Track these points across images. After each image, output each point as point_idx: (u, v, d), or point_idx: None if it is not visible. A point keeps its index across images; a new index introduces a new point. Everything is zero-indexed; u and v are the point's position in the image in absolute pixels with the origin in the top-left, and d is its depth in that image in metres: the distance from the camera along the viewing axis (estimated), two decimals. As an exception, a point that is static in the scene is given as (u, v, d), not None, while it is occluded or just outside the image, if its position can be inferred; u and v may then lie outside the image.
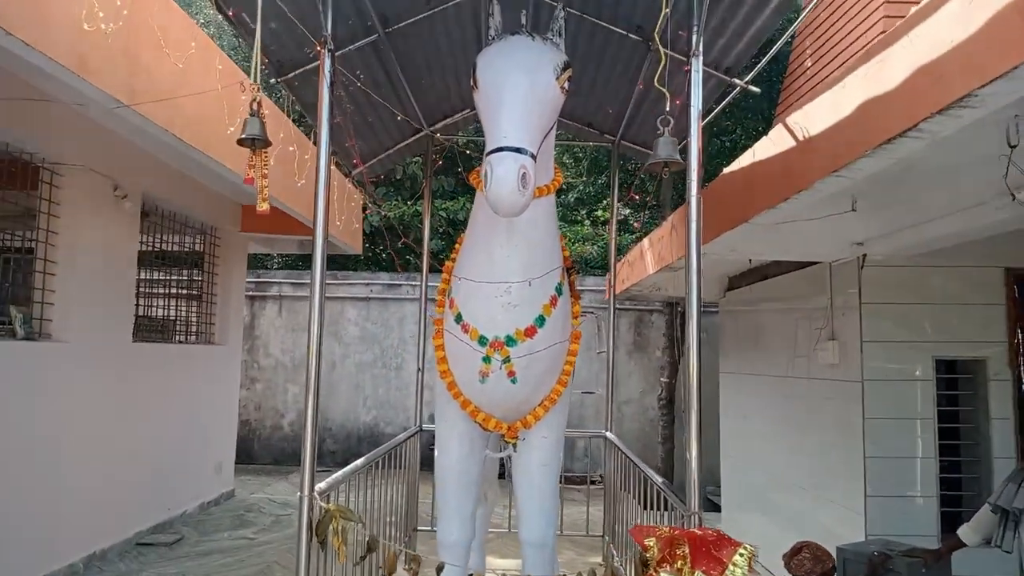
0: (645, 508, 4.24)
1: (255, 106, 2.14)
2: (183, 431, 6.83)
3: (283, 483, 9.21)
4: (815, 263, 5.25)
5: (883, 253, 4.59)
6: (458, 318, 2.83)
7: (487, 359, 2.77)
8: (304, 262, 11.85)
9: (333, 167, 6.13)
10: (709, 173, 9.83)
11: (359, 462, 3.45)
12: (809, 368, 5.30)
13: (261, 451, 10.51)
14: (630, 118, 4.65)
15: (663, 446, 9.57)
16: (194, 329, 7.32)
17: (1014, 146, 2.56)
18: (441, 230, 12.66)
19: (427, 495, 5.87)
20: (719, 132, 12.08)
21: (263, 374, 10.63)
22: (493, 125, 2.36)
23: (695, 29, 2.54)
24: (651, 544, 2.00)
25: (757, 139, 3.76)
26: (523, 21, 2.70)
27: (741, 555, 1.94)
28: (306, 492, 2.48)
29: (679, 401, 9.83)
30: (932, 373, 4.65)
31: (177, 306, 7.24)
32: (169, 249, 6.77)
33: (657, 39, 2.29)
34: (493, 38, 2.66)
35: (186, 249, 7.21)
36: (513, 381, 2.81)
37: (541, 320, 2.78)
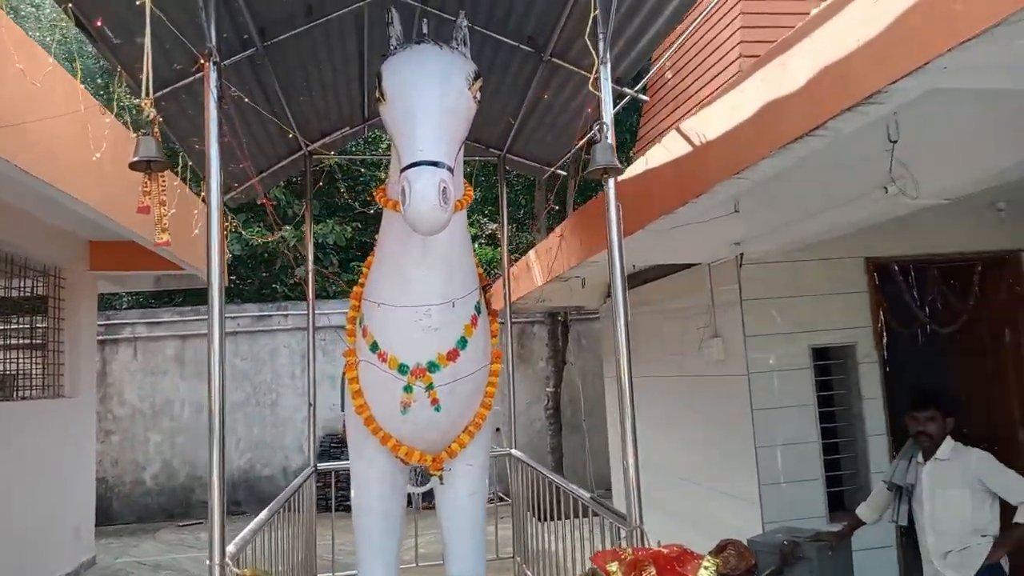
0: (549, 520, 4.22)
1: (151, 124, 1.89)
2: (34, 497, 6.06)
3: (150, 542, 8.40)
4: (695, 264, 5.47)
5: (759, 251, 4.86)
6: (374, 346, 2.65)
7: (408, 388, 2.62)
8: (157, 299, 10.98)
9: (190, 192, 5.70)
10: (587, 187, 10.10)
11: (263, 515, 3.16)
12: (697, 366, 5.49)
13: (122, 509, 9.56)
14: (517, 131, 4.63)
15: (552, 456, 9.64)
16: (40, 382, 6.53)
17: (894, 141, 2.77)
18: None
19: (324, 537, 5.56)
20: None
21: (119, 424, 9.70)
22: (407, 139, 2.24)
23: (601, 37, 2.55)
24: (614, 569, 1.94)
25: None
26: (425, 30, 2.59)
27: (706, 568, 1.93)
28: (216, 559, 2.20)
29: (564, 410, 9.97)
30: (809, 361, 4.95)
31: (19, 358, 6.43)
32: (5, 295, 6.00)
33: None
34: (395, 48, 2.53)
35: (26, 294, 6.42)
36: (437, 409, 2.67)
37: (463, 342, 2.66)
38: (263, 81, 3.58)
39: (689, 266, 5.59)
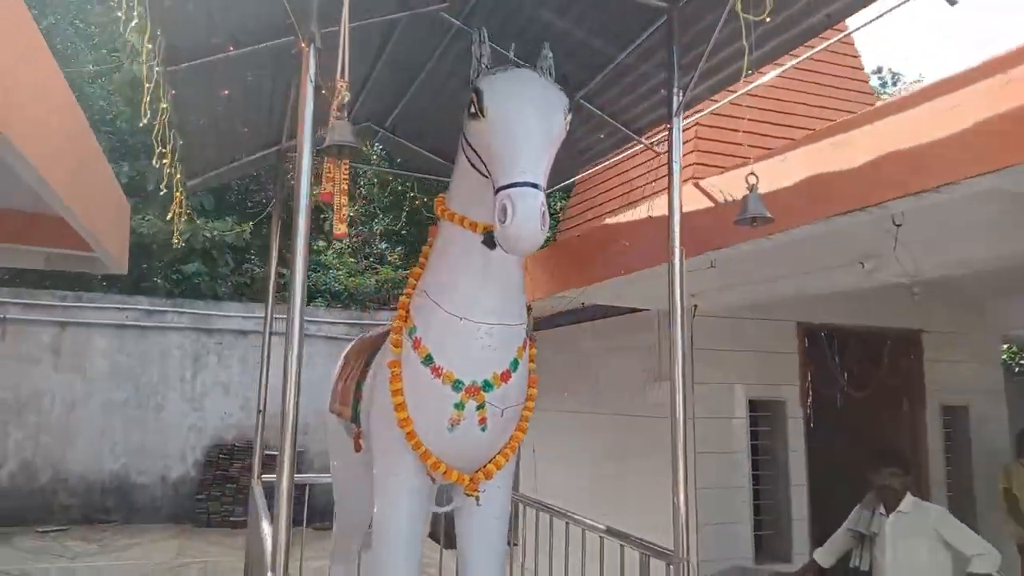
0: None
1: (343, 108, 1.78)
2: None
3: (6, 549, 7.48)
4: (643, 310, 5.73)
5: (711, 305, 5.18)
6: (428, 359, 2.59)
7: (460, 405, 2.57)
8: (40, 278, 9.90)
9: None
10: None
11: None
12: (636, 407, 5.71)
13: (-37, 511, 8.46)
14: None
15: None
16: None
17: (899, 225, 3.10)
18: (201, 250, 11.47)
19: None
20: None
21: (-29, 414, 8.63)
22: (509, 158, 2.24)
23: (675, 88, 2.70)
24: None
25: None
26: (511, 55, 2.63)
27: None
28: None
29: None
30: (745, 412, 5.31)
31: None
32: None
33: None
34: (487, 67, 2.54)
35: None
36: (483, 429, 2.64)
37: (516, 364, 2.66)
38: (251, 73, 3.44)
39: (635, 310, 5.84)
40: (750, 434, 5.33)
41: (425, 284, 2.73)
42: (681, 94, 2.73)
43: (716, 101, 4.40)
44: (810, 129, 5.63)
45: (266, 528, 3.06)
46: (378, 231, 14.61)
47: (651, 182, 4.82)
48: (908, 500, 3.49)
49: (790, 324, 5.54)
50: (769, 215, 2.27)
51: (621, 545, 3.02)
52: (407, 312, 2.74)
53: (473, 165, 2.55)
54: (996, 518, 5.47)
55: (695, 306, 5.22)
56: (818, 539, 5.38)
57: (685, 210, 3.65)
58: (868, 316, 5.67)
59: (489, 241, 2.59)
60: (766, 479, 5.42)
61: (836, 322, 5.63)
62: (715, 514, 5.02)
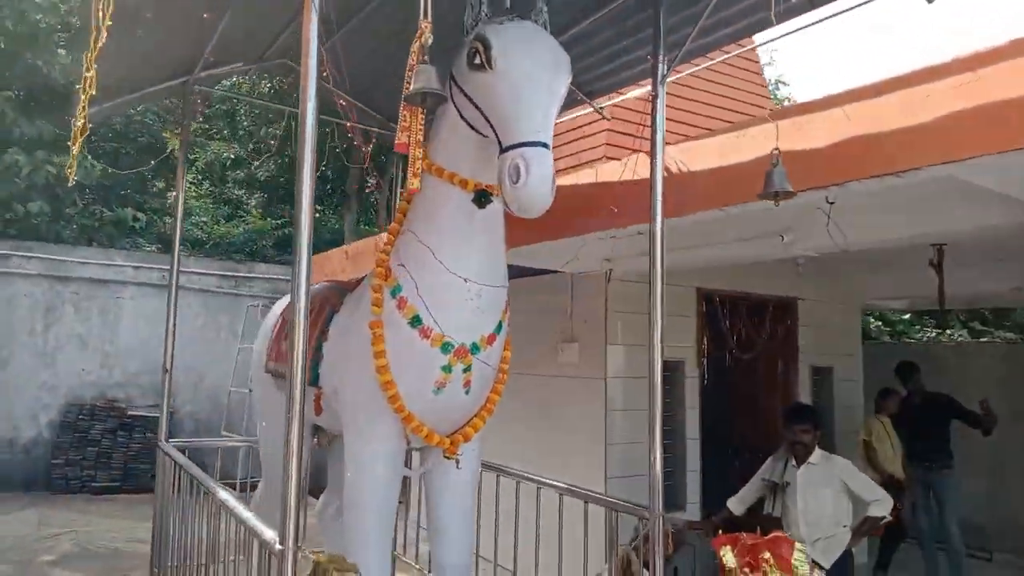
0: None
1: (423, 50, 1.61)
2: None
3: None
4: (555, 272, 5.84)
5: (624, 269, 5.37)
6: (415, 320, 2.51)
7: (447, 368, 2.53)
8: None
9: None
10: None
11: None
12: (549, 367, 5.84)
13: None
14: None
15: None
16: None
17: (832, 203, 3.35)
18: (45, 188, 10.23)
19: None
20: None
21: None
22: (521, 116, 2.19)
23: (661, 56, 2.74)
24: (725, 553, 2.12)
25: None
26: (507, 5, 2.53)
27: (800, 550, 2.19)
28: (290, 544, 1.94)
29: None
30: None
31: None
32: None
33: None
34: (487, 15, 2.44)
35: None
36: (467, 392, 2.62)
37: (499, 326, 2.65)
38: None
39: (548, 272, 5.94)
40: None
41: (408, 242, 2.62)
42: (666, 63, 2.77)
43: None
44: (708, 128, 5.97)
45: (223, 495, 2.88)
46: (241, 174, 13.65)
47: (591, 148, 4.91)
48: (817, 453, 3.85)
49: (691, 290, 5.87)
50: (792, 189, 2.38)
51: (585, 503, 3.12)
52: (388, 271, 2.63)
53: (465, 118, 2.46)
54: (856, 466, 6.17)
55: (610, 270, 5.39)
56: (708, 489, 5.85)
57: (614, 181, 3.78)
58: (755, 284, 6.12)
59: (479, 200, 2.53)
60: (664, 434, 5.75)
61: (728, 289, 6.03)
62: (624, 467, 5.29)
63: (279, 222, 13.44)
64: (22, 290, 8.35)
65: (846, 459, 3.91)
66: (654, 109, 2.77)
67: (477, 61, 2.30)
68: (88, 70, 2.95)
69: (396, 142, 2.03)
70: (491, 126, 2.28)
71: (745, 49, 5.09)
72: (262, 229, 12.99)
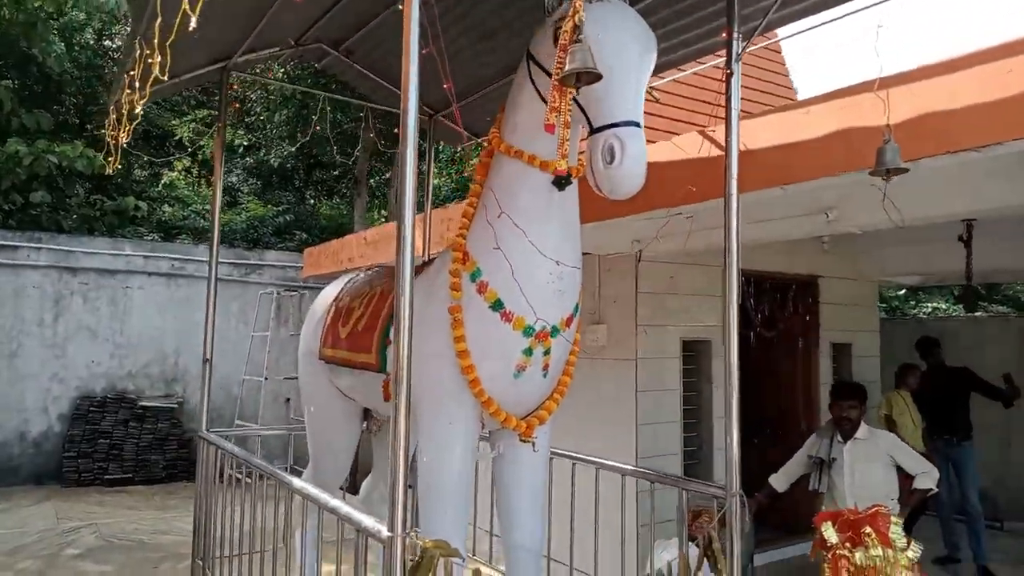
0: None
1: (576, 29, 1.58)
2: None
3: None
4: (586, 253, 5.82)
5: (654, 250, 5.36)
6: (497, 304, 2.49)
7: (528, 351, 2.52)
8: None
9: None
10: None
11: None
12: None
13: None
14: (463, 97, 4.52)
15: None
16: None
17: (887, 180, 3.36)
18: (46, 178, 10.04)
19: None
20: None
21: None
22: (615, 95, 2.16)
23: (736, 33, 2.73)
24: (826, 528, 2.14)
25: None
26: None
27: (896, 523, 2.21)
28: (399, 530, 1.92)
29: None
30: (679, 351, 5.61)
31: None
32: None
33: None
34: None
35: None
36: (544, 375, 2.61)
37: (577, 308, 2.65)
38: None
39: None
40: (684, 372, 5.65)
41: (481, 225, 2.59)
42: (741, 39, 2.75)
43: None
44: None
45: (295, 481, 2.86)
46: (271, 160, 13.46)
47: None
48: (863, 428, 3.89)
49: (718, 270, 5.85)
50: (905, 166, 2.38)
51: (651, 483, 3.13)
52: (465, 254, 2.60)
53: (545, 100, 2.43)
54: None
55: (639, 251, 5.38)
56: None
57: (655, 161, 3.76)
58: (779, 263, 6.14)
59: (559, 182, 2.51)
60: (690, 413, 5.79)
61: (754, 268, 6.04)
62: (653, 447, 5.32)
63: (280, 209, 13.32)
64: (31, 281, 8.23)
65: (892, 433, 3.95)
66: (728, 87, 2.75)
67: (567, 32, 2.26)
68: (149, 56, 2.88)
69: (545, 123, 2.00)
70: (579, 106, 2.25)
71: (772, 41, 5.09)
72: (262, 216, 12.87)
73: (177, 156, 13.56)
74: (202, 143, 11.38)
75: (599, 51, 2.21)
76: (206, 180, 14.61)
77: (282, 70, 9.20)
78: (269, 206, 13.26)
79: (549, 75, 2.34)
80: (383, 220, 13.75)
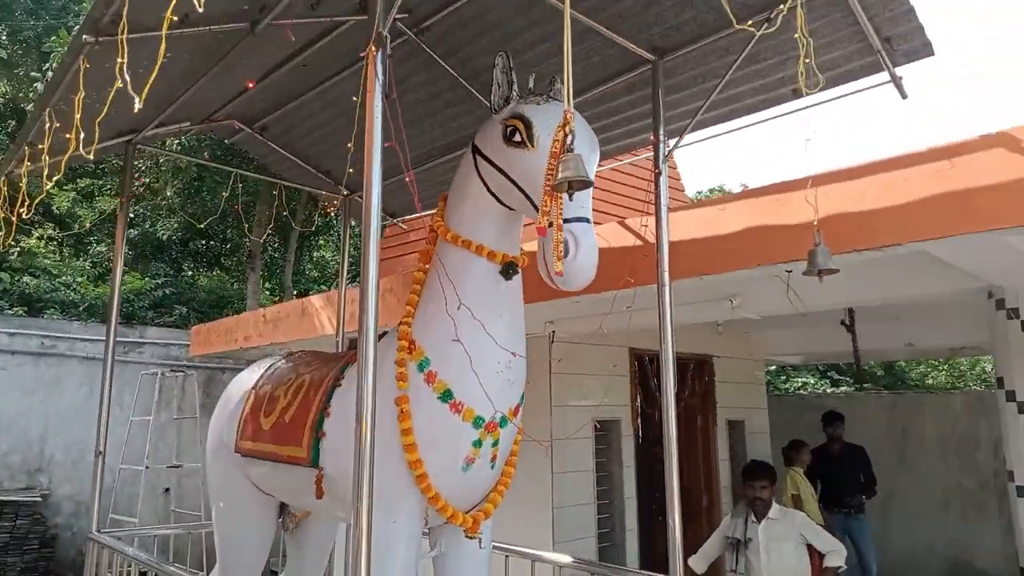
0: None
1: (566, 140, 1.60)
2: None
3: None
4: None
5: (565, 332, 5.48)
6: (446, 395, 2.44)
7: (478, 443, 2.47)
8: None
9: None
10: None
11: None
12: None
13: None
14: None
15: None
16: None
17: (789, 271, 3.62)
18: None
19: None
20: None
21: None
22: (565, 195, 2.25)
23: (662, 136, 2.91)
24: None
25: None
26: (530, 85, 2.60)
27: None
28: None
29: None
30: (592, 432, 5.67)
31: None
32: None
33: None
34: (517, 95, 2.50)
35: None
36: (492, 467, 2.57)
37: (522, 398, 2.64)
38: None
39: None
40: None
41: (435, 313, 2.56)
42: (667, 144, 2.93)
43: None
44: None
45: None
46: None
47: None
48: (775, 508, 4.05)
49: (624, 350, 6.05)
50: (835, 267, 2.54)
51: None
52: (412, 343, 2.55)
53: (492, 191, 2.49)
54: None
55: (553, 332, 5.47)
56: (644, 548, 5.94)
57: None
58: (679, 344, 6.39)
59: (506, 272, 2.54)
60: (602, 494, 5.82)
61: (655, 348, 6.27)
62: (570, 531, 5.28)
63: (158, 282, 12.59)
64: None
65: (802, 512, 4.13)
66: (657, 185, 2.92)
67: (517, 139, 2.36)
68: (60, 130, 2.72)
69: (537, 226, 2.01)
70: (530, 201, 2.31)
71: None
72: (139, 289, 12.10)
73: (40, 223, 12.66)
74: (79, 214, 10.67)
75: (548, 150, 2.30)
76: (72, 250, 13.67)
77: (176, 142, 8.89)
78: (146, 278, 12.51)
79: (498, 169, 2.42)
80: (278, 297, 13.30)
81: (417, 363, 2.51)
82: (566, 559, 3.34)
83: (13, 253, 12.03)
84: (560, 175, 1.71)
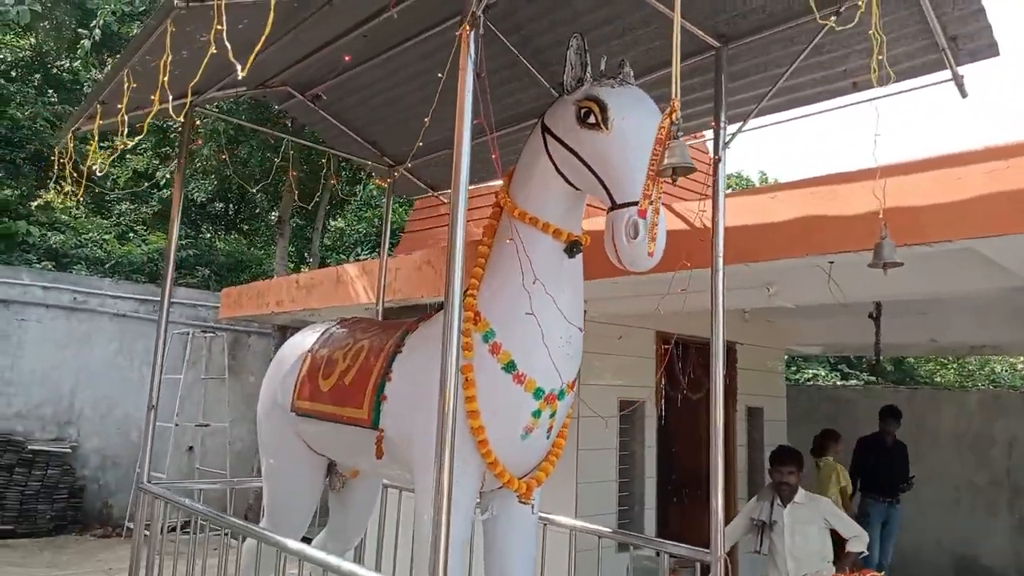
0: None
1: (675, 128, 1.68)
2: None
3: None
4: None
5: (594, 312, 5.57)
6: (510, 366, 2.54)
7: (537, 413, 2.58)
8: None
9: None
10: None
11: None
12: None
13: None
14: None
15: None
16: None
17: (831, 262, 3.69)
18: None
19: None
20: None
21: None
22: (637, 175, 2.32)
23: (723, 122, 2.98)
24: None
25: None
26: (602, 68, 2.66)
27: None
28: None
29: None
30: (617, 411, 5.78)
31: None
32: None
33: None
34: (591, 77, 2.57)
35: None
36: (548, 437, 2.68)
37: (578, 372, 2.74)
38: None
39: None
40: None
41: (493, 286, 2.65)
42: (726, 129, 3.00)
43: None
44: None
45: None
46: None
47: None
48: (801, 493, 4.15)
49: (651, 333, 6.14)
50: (900, 260, 2.61)
51: (632, 548, 3.20)
52: (477, 315, 2.64)
53: (561, 171, 2.57)
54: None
55: (585, 312, 5.56)
56: (660, 526, 6.08)
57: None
58: (704, 329, 6.47)
59: (571, 250, 2.63)
60: (623, 472, 5.95)
61: (681, 333, 6.36)
62: (592, 506, 5.41)
63: (183, 243, 12.73)
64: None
65: (827, 498, 4.23)
66: (715, 172, 2.98)
67: (592, 120, 2.43)
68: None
69: (639, 208, 2.10)
70: (600, 182, 2.39)
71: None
72: (161, 250, 12.26)
73: (59, 177, 12.80)
74: (112, 171, 10.81)
75: (622, 133, 2.38)
76: (94, 208, 13.81)
77: (216, 104, 8.97)
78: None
79: (569, 149, 2.50)
80: (300, 264, 13.44)
81: (482, 334, 2.60)
82: (606, 530, 3.44)
83: (32, 206, 12.20)
84: (666, 161, 1.79)
